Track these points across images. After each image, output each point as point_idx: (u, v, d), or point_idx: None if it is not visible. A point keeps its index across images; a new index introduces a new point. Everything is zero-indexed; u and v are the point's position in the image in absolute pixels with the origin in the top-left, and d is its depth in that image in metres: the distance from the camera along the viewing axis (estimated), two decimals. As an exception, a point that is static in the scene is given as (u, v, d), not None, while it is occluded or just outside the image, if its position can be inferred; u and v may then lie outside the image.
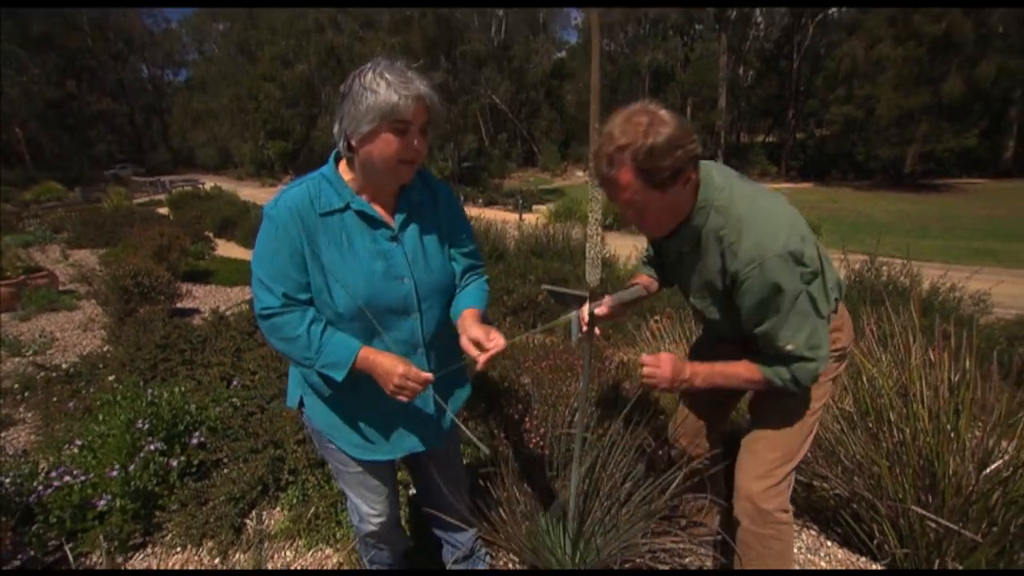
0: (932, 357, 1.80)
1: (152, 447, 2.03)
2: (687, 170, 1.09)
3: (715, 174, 1.18)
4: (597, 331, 1.27)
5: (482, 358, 1.09)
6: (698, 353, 1.56)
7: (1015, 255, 13.09)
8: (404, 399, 1.11)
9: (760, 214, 1.13)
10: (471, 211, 17.48)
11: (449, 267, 1.28)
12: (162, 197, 21.73)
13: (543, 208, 19.06)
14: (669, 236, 1.26)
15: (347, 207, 1.14)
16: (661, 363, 1.24)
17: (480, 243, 7.70)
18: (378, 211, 1.17)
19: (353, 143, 1.10)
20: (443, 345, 1.29)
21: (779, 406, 1.37)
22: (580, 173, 35.49)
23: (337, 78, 30.20)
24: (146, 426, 2.12)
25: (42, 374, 3.27)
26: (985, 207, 21.20)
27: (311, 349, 1.11)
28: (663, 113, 1.05)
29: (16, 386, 3.14)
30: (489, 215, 13.11)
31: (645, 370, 1.26)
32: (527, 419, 1.81)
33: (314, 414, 1.28)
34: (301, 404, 1.30)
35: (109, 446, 2.06)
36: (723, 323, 1.30)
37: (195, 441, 2.20)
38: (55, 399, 2.87)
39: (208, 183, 26.17)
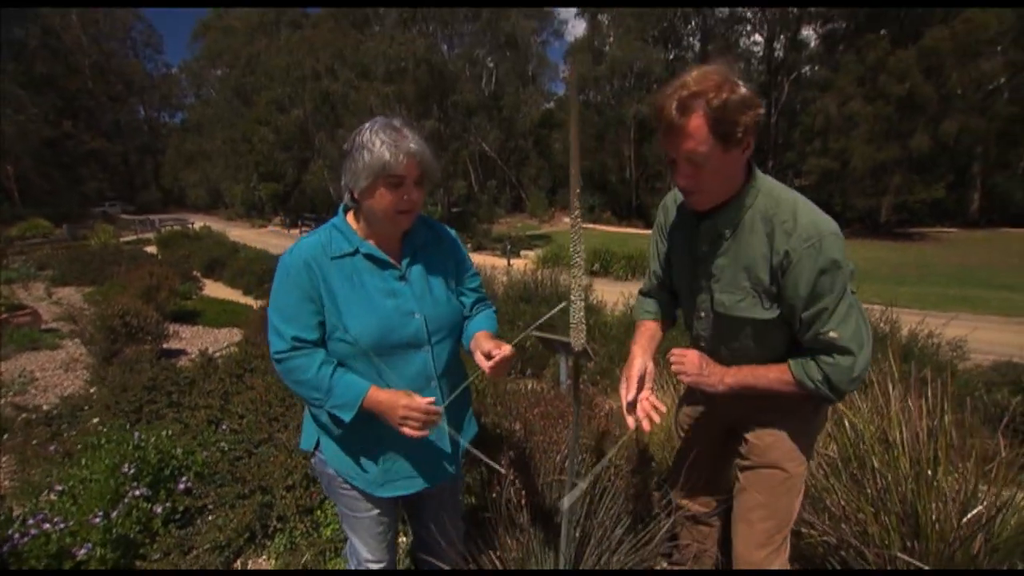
0: (911, 404, 1.87)
1: (137, 492, 1.99)
2: (750, 137, 1.08)
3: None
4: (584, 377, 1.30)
5: (490, 364, 1.17)
6: (691, 398, 1.59)
7: (988, 302, 13.50)
8: (412, 431, 1.17)
9: (804, 200, 1.16)
10: (460, 254, 17.71)
11: (456, 303, 1.38)
12: (150, 236, 21.69)
13: (531, 254, 19.35)
14: (706, 215, 1.22)
15: (356, 251, 1.25)
16: (687, 356, 1.26)
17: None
18: (385, 254, 1.27)
19: (356, 196, 1.21)
20: (455, 377, 1.37)
21: (768, 472, 1.36)
22: (567, 219, 35.98)
23: (331, 123, 30.94)
24: (131, 471, 2.08)
25: (22, 416, 3.20)
26: (957, 255, 21.98)
27: (321, 391, 1.19)
28: (735, 79, 1.05)
29: (-6, 428, 3.06)
30: (478, 260, 13.27)
31: (673, 358, 1.28)
32: (518, 466, 1.82)
33: (331, 455, 1.32)
34: (316, 446, 1.34)
35: (91, 491, 2.02)
36: (742, 333, 1.27)
37: (182, 486, 2.16)
38: (34, 442, 2.80)
39: (198, 223, 26.21)
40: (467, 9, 30.07)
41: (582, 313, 1.26)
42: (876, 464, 1.85)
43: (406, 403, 1.16)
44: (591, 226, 34.10)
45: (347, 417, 1.18)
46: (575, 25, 69.22)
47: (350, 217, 1.30)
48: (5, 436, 3.01)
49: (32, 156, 37.40)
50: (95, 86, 49.77)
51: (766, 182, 1.19)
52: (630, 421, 1.17)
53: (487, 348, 1.20)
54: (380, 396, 1.18)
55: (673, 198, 1.40)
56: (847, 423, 1.96)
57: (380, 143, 1.14)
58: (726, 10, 34.84)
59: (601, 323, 6.58)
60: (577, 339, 1.27)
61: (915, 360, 5.44)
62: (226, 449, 2.60)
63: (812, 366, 1.18)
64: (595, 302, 8.05)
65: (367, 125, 1.20)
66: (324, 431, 1.32)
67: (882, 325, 6.50)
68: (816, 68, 33.53)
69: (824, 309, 1.12)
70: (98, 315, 4.51)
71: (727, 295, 1.23)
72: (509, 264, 16.30)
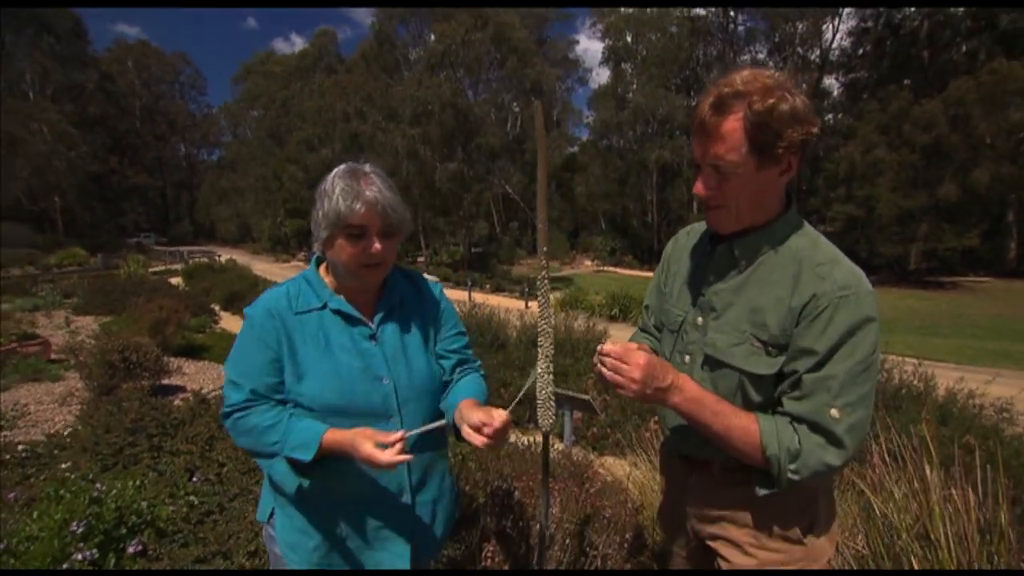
0: (955, 493, 1.61)
1: (80, 556, 1.82)
2: (792, 158, 0.92)
3: None
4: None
5: (482, 439, 1.02)
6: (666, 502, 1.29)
7: (1033, 359, 12.70)
8: (385, 463, 0.98)
9: (844, 255, 0.98)
10: (477, 296, 17.65)
11: (434, 368, 1.24)
12: (178, 267, 22.27)
13: (551, 296, 19.17)
14: (724, 239, 1.03)
15: (324, 306, 1.14)
16: (631, 359, 0.93)
17: (482, 331, 7.58)
18: (356, 309, 1.16)
19: (320, 248, 1.13)
20: (428, 452, 1.21)
21: None
22: (588, 262, 36.15)
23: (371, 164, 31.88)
24: (80, 529, 1.91)
25: (-2, 455, 3.08)
26: (994, 306, 21.01)
27: (278, 433, 1.06)
28: (793, 88, 0.90)
29: (-35, 468, 2.95)
30: (494, 301, 13.16)
31: (608, 361, 0.96)
32: (494, 552, 1.61)
33: (284, 527, 1.16)
34: (271, 517, 1.19)
35: (33, 553, 1.85)
36: (727, 386, 1.01)
37: (132, 549, 1.97)
38: (-2, 487, 2.66)
39: (225, 255, 26.90)
40: (493, 56, 31.17)
41: (550, 388, 1.08)
42: (915, 564, 1.57)
43: (372, 433, 1.01)
44: (612, 269, 34.00)
45: (307, 456, 1.03)
46: (599, 73, 71.30)
47: (323, 269, 1.19)
48: (-23, 477, 2.89)
49: (78, 190, 39.40)
50: (142, 125, 52.87)
51: (805, 225, 1.02)
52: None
53: (476, 420, 1.04)
54: (343, 432, 1.04)
55: (687, 230, 1.24)
56: (877, 510, 1.69)
57: (338, 191, 1.05)
58: (748, 59, 35.44)
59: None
60: (545, 418, 1.09)
61: (954, 423, 5.02)
62: (195, 503, 2.43)
63: (789, 433, 0.91)
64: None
65: (333, 172, 1.10)
66: (280, 501, 1.16)
67: (915, 382, 6.07)
68: (839, 116, 33.56)
69: (834, 377, 0.89)
70: (98, 348, 4.47)
71: (722, 335, 1.00)
72: (526, 306, 16.14)
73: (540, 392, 1.07)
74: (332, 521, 1.12)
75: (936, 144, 25.33)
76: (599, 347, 0.99)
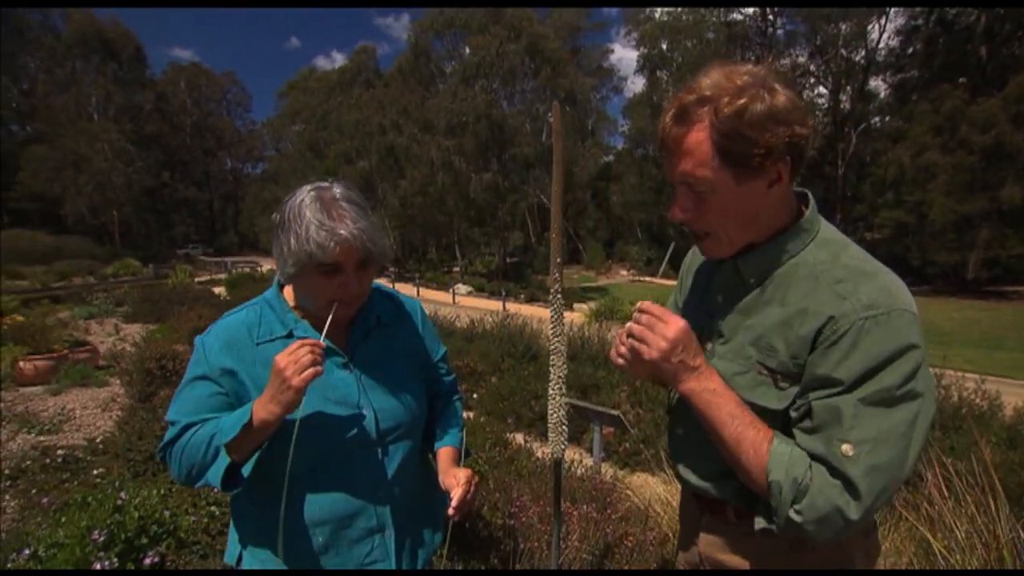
0: (1026, 533, 1.42)
1: (99, 565, 1.83)
2: (779, 162, 0.77)
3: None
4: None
5: (450, 511, 1.01)
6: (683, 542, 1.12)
7: (1111, 376, 11.67)
8: (311, 368, 0.88)
9: (881, 267, 0.82)
10: (511, 306, 17.59)
11: (418, 394, 1.14)
12: (222, 276, 23.18)
13: (584, 307, 18.95)
14: (722, 259, 0.91)
15: (290, 334, 1.03)
16: (669, 319, 0.84)
17: (514, 342, 7.52)
18: (326, 337, 1.03)
19: (285, 283, 1.04)
20: (414, 483, 1.12)
21: None
22: (624, 272, 35.69)
23: (394, 174, 32.63)
24: (102, 538, 1.93)
25: (34, 459, 3.20)
26: (1066, 319, 19.49)
27: (210, 431, 0.93)
28: (776, 82, 0.77)
29: (8, 470, 3.07)
30: (527, 312, 13.08)
31: (643, 319, 0.86)
32: None
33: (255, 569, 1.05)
34: (239, 562, 1.08)
35: (56, 560, 1.88)
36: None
37: (148, 560, 1.97)
38: (32, 491, 2.75)
39: (266, 266, 27.84)
40: (527, 67, 31.37)
41: (563, 412, 0.99)
42: (982, 614, 1.39)
43: (283, 363, 0.88)
44: (648, 279, 33.46)
45: (242, 421, 0.89)
46: (634, 81, 70.72)
47: (287, 291, 1.08)
48: (19, 480, 3.01)
49: (134, 204, 41.80)
50: (192, 141, 55.74)
51: (827, 231, 0.87)
52: None
53: (446, 483, 1.05)
54: (262, 395, 0.92)
55: None
56: (937, 551, 1.51)
57: (307, 225, 0.92)
58: (787, 63, 34.43)
59: (648, 386, 6.10)
60: (556, 444, 1.00)
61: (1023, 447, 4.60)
62: (216, 514, 2.43)
63: (803, 466, 0.76)
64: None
65: (296, 196, 0.97)
66: (248, 544, 1.06)
67: (977, 400, 5.63)
68: (887, 119, 32.15)
69: (850, 409, 0.73)
70: (137, 356, 4.63)
71: (725, 363, 0.88)
72: (550, 322, 15.94)
73: (552, 415, 0.99)
74: (307, 559, 1.02)
75: (996, 144, 23.86)
76: (639, 304, 0.89)
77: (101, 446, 3.21)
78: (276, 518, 0.95)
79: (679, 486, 1.11)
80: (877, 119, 33.00)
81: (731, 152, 0.76)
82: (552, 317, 0.96)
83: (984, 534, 1.51)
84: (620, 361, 0.92)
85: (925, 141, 25.86)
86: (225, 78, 60.45)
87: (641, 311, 0.88)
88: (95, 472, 2.81)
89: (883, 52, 32.70)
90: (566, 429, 0.95)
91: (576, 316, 15.84)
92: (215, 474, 0.90)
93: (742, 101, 0.74)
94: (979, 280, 25.79)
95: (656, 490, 2.69)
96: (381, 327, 1.12)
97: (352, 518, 1.02)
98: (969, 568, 1.44)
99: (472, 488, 1.06)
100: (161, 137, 48.97)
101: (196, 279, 20.77)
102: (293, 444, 0.93)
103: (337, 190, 0.98)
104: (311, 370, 0.88)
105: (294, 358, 0.89)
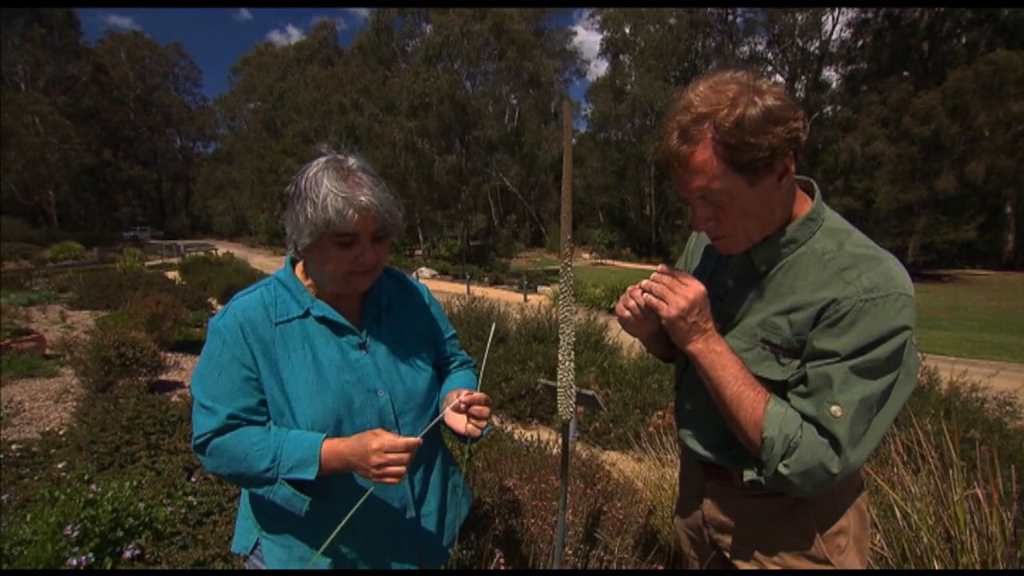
0: (978, 493, 1.56)
1: (74, 562, 1.76)
2: (785, 157, 0.83)
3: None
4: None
5: (461, 421, 0.99)
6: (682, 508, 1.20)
7: (1032, 351, 12.71)
8: (394, 479, 0.91)
9: (884, 253, 0.89)
10: (476, 289, 17.59)
11: (430, 373, 1.15)
12: (175, 261, 22.13)
13: (548, 289, 19.13)
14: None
15: (307, 313, 1.02)
16: (689, 282, 0.90)
17: (482, 325, 7.49)
18: (343, 316, 1.04)
19: (300, 254, 1.01)
20: (432, 464, 1.14)
21: None
22: (586, 256, 36.11)
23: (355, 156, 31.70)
24: (75, 533, 1.85)
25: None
26: (992, 299, 21.07)
27: (268, 457, 0.93)
28: (760, 83, 0.82)
29: (-41, 468, 2.88)
30: (493, 295, 13.09)
31: (664, 279, 0.92)
32: (507, 558, 1.55)
33: (276, 557, 1.04)
34: (255, 548, 1.07)
35: (26, 558, 1.80)
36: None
37: (129, 553, 1.92)
38: (-10, 488, 2.60)
39: (222, 249, 26.74)
40: (492, 48, 30.91)
41: (571, 376, 1.03)
42: (939, 567, 1.53)
43: (379, 444, 0.90)
44: (610, 262, 33.98)
45: (311, 475, 0.92)
46: (598, 65, 70.79)
47: (299, 269, 1.07)
48: (-30, 476, 2.83)
49: (72, 183, 39.08)
50: (137, 117, 52.44)
51: (833, 219, 0.93)
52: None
53: (455, 400, 1.01)
54: (346, 441, 0.94)
55: None
56: (897, 512, 1.65)
57: (325, 194, 0.92)
58: (746, 51, 35.28)
59: (616, 366, 6.25)
60: (565, 407, 1.04)
61: (958, 417, 4.99)
62: (194, 504, 2.37)
63: (795, 424, 0.84)
64: (610, 342, 7.73)
65: (312, 167, 0.96)
66: (271, 528, 1.04)
67: (919, 376, 6.05)
68: (838, 108, 33.46)
69: (840, 375, 0.81)
70: (94, 344, 4.39)
71: (735, 341, 0.95)
72: (525, 299, 16.08)
73: (561, 379, 1.03)
74: (333, 544, 1.01)
75: (935, 136, 25.31)
76: (660, 267, 0.95)
77: (63, 439, 3.06)
78: (301, 505, 0.96)
79: (653, 463, 1.17)
80: (829, 108, 34.30)
81: (739, 160, 0.81)
82: (562, 289, 1.00)
83: (941, 494, 1.65)
84: (627, 314, 0.98)
85: (873, 131, 27.15)
86: (171, 50, 56.90)
87: (662, 272, 0.94)
88: (59, 466, 2.68)
89: (836, 44, 33.91)
90: (574, 394, 0.99)
91: (542, 299, 15.99)
92: (286, 504, 0.95)
93: (739, 111, 0.78)
94: (917, 264, 27.49)
95: (632, 466, 2.78)
96: (392, 309, 1.12)
97: (374, 500, 1.02)
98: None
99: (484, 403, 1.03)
100: (101, 112, 45.83)
101: (147, 263, 19.76)
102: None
103: (353, 161, 0.99)
104: (393, 479, 0.91)
105: (396, 461, 0.90)
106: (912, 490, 1.71)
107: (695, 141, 0.82)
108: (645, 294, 0.94)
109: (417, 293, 1.20)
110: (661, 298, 0.91)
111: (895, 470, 1.78)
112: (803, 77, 35.35)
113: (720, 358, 0.90)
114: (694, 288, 0.90)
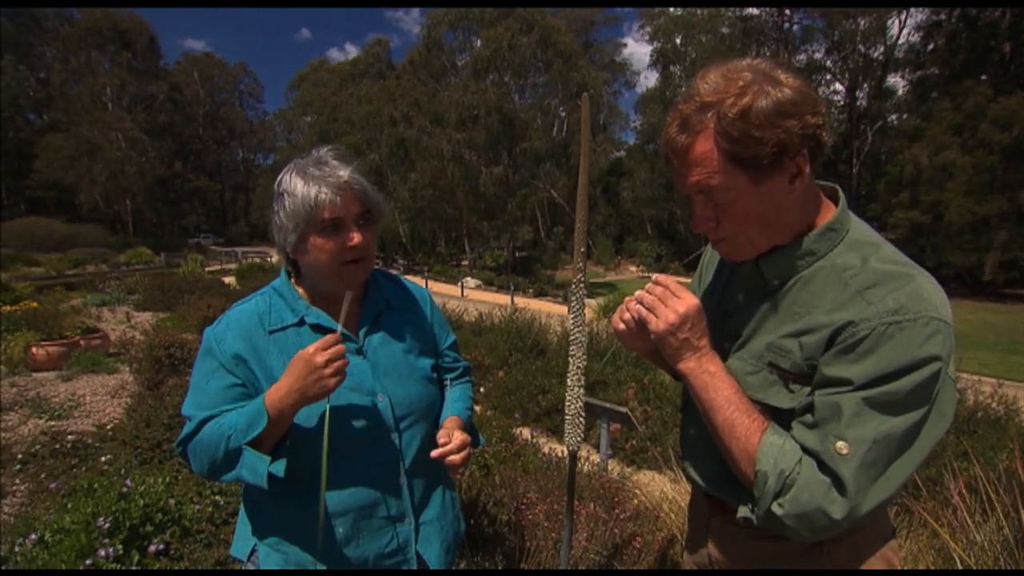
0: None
1: (102, 553, 1.82)
2: (798, 156, 0.72)
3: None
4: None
5: (441, 452, 0.97)
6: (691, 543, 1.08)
7: None
8: (335, 377, 0.88)
9: (918, 270, 0.76)
10: (519, 300, 17.57)
11: (432, 378, 1.13)
12: (233, 266, 23.34)
13: (592, 302, 18.86)
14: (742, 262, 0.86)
15: (302, 322, 1.02)
16: (682, 295, 0.82)
17: (522, 336, 7.46)
18: (338, 322, 1.02)
19: (291, 256, 1.00)
20: (432, 470, 1.10)
21: None
22: (633, 268, 35.56)
23: (404, 167, 32.62)
24: (107, 524, 1.93)
25: (44, 444, 3.22)
26: (1084, 324, 19.15)
27: (227, 431, 0.91)
28: (779, 73, 0.72)
29: (20, 455, 3.09)
30: (536, 306, 13.04)
31: (657, 291, 0.84)
32: None
33: (272, 563, 1.02)
34: (252, 554, 1.05)
35: (62, 545, 1.87)
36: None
37: (154, 548, 1.97)
38: (42, 475, 2.76)
39: (275, 256, 27.97)
40: (539, 60, 31.15)
41: (580, 403, 0.97)
42: (1004, 626, 1.34)
43: (310, 351, 0.88)
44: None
45: (262, 425, 0.88)
46: (647, 76, 69.89)
47: (294, 281, 1.08)
48: (30, 464, 3.03)
49: (146, 193, 42.23)
50: (204, 132, 56.10)
51: (859, 230, 0.81)
52: None
53: (439, 436, 1.01)
54: (279, 382, 0.91)
55: None
56: (957, 562, 1.46)
57: (302, 182, 0.93)
58: (803, 59, 33.97)
59: (657, 383, 6.05)
60: (572, 436, 0.97)
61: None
62: (221, 503, 2.42)
63: (793, 458, 0.73)
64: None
65: (285, 170, 0.98)
66: (267, 534, 1.03)
67: (994, 405, 5.52)
68: (904, 117, 31.63)
69: (851, 406, 0.70)
70: (147, 344, 4.65)
71: (740, 362, 0.85)
72: (569, 312, 15.89)
73: (569, 407, 0.96)
74: (331, 553, 1.00)
75: (1016, 144, 23.41)
76: (655, 276, 0.87)
77: (110, 433, 3.23)
78: (295, 510, 0.96)
79: (687, 485, 1.07)
80: (894, 117, 32.47)
81: (742, 156, 0.72)
82: (573, 308, 0.94)
83: (1008, 541, 1.45)
84: (622, 327, 0.90)
85: (944, 140, 25.42)
86: (237, 68, 60.63)
87: (656, 283, 0.85)
88: (103, 459, 2.82)
89: (903, 48, 32.14)
90: (583, 421, 0.92)
91: (585, 311, 15.73)
92: (253, 474, 0.89)
93: (745, 101, 0.70)
94: (995, 282, 25.37)
95: (664, 488, 2.64)
96: (391, 312, 1.11)
97: (373, 507, 1.00)
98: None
99: (463, 453, 1.01)
100: (174, 127, 49.34)
101: (207, 268, 20.93)
102: (326, 435, 0.92)
103: (323, 150, 0.99)
104: (334, 376, 0.88)
105: (334, 354, 0.88)
106: (976, 538, 1.52)
107: (695, 131, 0.74)
108: (637, 305, 0.86)
109: (416, 294, 1.19)
110: (651, 310, 0.83)
111: (956, 514, 1.59)
112: (865, 85, 33.66)
113: (713, 379, 0.81)
114: (686, 301, 0.82)
